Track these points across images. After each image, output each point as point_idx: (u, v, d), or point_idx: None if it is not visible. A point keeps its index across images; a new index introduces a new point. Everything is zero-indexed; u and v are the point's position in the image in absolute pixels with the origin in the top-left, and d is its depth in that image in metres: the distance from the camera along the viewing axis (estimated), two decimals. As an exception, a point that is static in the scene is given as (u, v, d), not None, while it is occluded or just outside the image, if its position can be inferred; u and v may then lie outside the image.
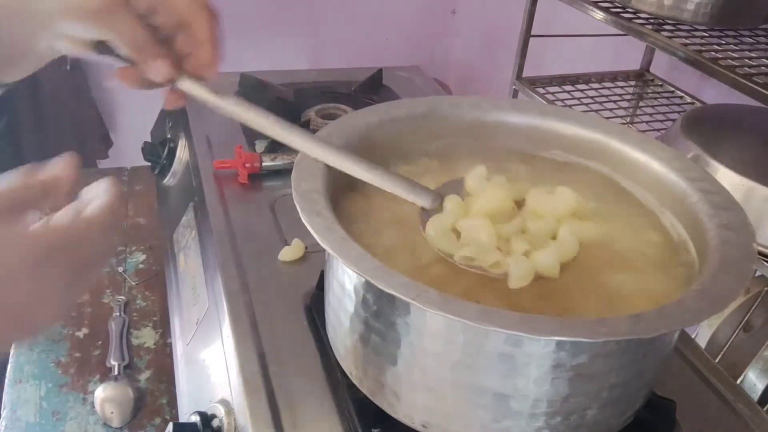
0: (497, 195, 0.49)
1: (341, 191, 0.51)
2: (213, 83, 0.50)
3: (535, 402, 0.43)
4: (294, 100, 1.01)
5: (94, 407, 0.76)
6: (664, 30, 0.84)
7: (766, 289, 0.82)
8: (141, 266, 0.99)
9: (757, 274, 0.74)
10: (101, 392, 0.76)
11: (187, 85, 0.49)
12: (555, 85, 1.13)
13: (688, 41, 0.80)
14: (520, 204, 0.51)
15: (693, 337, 0.84)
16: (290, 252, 0.68)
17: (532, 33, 1.09)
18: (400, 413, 0.47)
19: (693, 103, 1.10)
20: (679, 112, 1.07)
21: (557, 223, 0.49)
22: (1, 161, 1.29)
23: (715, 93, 1.08)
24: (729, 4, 0.81)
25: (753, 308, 0.82)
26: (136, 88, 0.48)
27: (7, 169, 0.38)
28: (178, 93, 0.49)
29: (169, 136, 0.97)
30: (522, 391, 0.42)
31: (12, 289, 0.35)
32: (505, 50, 1.30)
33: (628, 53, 1.20)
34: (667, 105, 1.11)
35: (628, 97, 1.15)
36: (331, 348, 0.54)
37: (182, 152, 0.93)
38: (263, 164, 0.83)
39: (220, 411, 0.55)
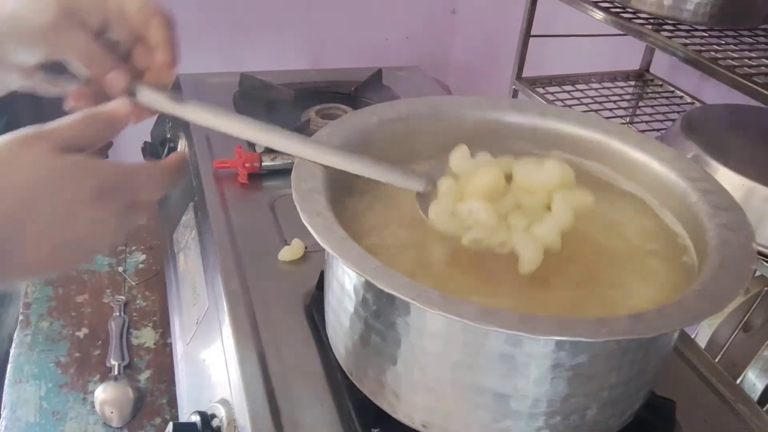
0: (490, 174, 0.49)
1: (341, 191, 0.51)
2: (174, 92, 0.49)
3: (535, 402, 0.43)
4: (294, 100, 1.01)
5: (94, 407, 0.76)
6: (664, 30, 0.84)
7: (765, 289, 0.82)
8: (141, 266, 0.99)
9: (757, 274, 0.74)
10: (101, 392, 0.76)
11: (146, 96, 0.48)
12: (555, 85, 1.13)
13: (687, 41, 0.80)
14: (508, 178, 0.51)
15: (693, 337, 0.84)
16: (290, 252, 0.69)
17: (532, 33, 1.08)
18: (400, 413, 0.47)
19: (693, 103, 1.10)
20: (679, 112, 1.07)
21: (548, 195, 0.49)
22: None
23: (715, 93, 1.08)
24: (729, 4, 0.81)
25: (753, 308, 0.82)
26: (92, 106, 0.47)
27: None
28: (139, 107, 0.48)
29: (168, 135, 0.97)
30: (522, 391, 0.42)
31: (74, 219, 0.39)
32: (505, 50, 1.30)
33: (628, 53, 1.20)
34: (667, 105, 1.11)
35: (627, 97, 1.15)
36: (331, 348, 0.54)
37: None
38: (263, 164, 0.83)
39: (220, 411, 0.55)
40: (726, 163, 0.73)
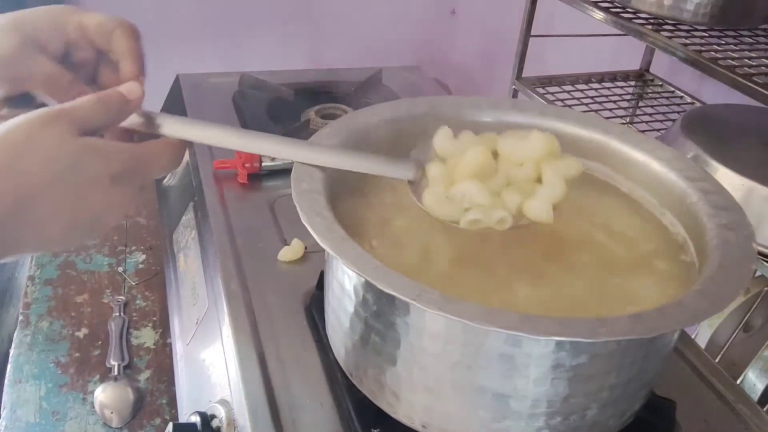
0: (477, 153, 0.49)
1: (341, 191, 0.51)
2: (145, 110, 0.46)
3: (535, 402, 0.43)
4: (294, 100, 1.01)
5: (93, 407, 0.76)
6: (664, 30, 0.84)
7: (766, 289, 0.82)
8: (141, 266, 0.99)
9: (757, 274, 0.74)
10: (101, 392, 0.76)
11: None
12: (555, 85, 1.13)
13: (688, 41, 0.80)
14: (494, 155, 0.51)
15: (693, 337, 0.84)
16: (290, 252, 0.68)
17: (532, 33, 1.08)
18: (400, 413, 0.47)
19: (693, 103, 1.10)
20: (679, 112, 1.07)
21: (537, 166, 0.49)
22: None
23: (715, 93, 1.08)
24: (729, 4, 0.81)
25: (753, 308, 0.82)
26: None
27: None
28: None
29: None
30: (522, 391, 0.42)
31: (89, 200, 0.40)
32: (505, 50, 1.30)
33: (628, 53, 1.20)
34: (667, 105, 1.11)
35: (628, 97, 1.15)
36: (331, 348, 0.54)
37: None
38: (263, 164, 0.83)
39: (220, 411, 0.55)
40: (726, 163, 0.73)
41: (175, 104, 1.02)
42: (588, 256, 0.50)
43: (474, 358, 0.42)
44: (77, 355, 0.83)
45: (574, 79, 1.15)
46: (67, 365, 0.81)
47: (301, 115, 0.96)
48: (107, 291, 0.93)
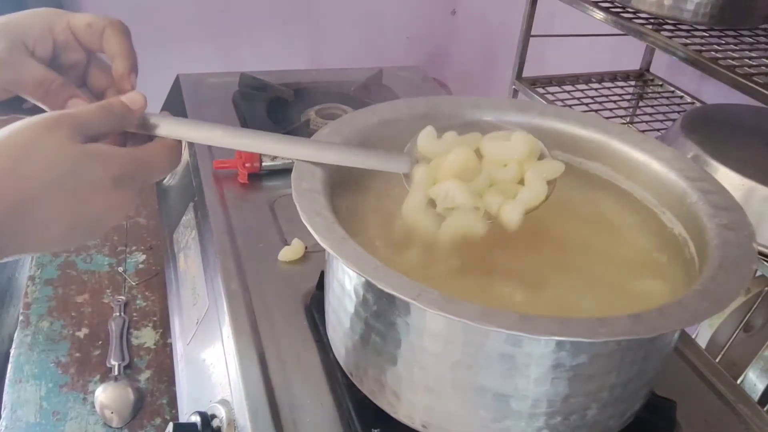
0: (462, 154, 0.49)
1: (342, 190, 0.51)
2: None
3: (535, 402, 0.43)
4: (294, 100, 1.01)
5: (94, 407, 0.76)
6: (664, 30, 0.84)
7: (766, 289, 0.82)
8: (141, 266, 0.99)
9: (757, 274, 0.74)
10: (101, 392, 0.76)
11: None
12: (555, 85, 1.13)
13: (688, 41, 0.80)
14: (477, 154, 0.51)
15: (693, 337, 0.84)
16: (290, 252, 0.68)
17: (532, 33, 1.09)
18: (401, 413, 0.47)
19: (693, 103, 1.10)
20: (679, 112, 1.07)
21: (520, 167, 0.50)
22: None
23: (715, 93, 1.08)
24: (729, 4, 0.81)
25: (753, 308, 0.82)
26: None
27: None
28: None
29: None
30: (522, 391, 0.42)
31: (91, 204, 0.41)
32: (505, 50, 1.30)
33: (628, 53, 1.20)
34: (667, 105, 1.11)
35: (628, 97, 1.15)
36: (331, 348, 0.54)
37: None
38: (263, 164, 0.83)
39: (221, 411, 0.55)
40: (726, 163, 0.73)
41: (175, 104, 1.02)
42: (588, 256, 0.50)
43: (474, 357, 0.42)
44: (78, 355, 0.83)
45: (574, 79, 1.15)
46: (68, 365, 0.81)
47: (301, 115, 0.96)
48: (108, 291, 0.93)
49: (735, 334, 0.83)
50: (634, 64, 1.20)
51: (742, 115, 0.88)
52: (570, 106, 1.08)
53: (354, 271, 0.40)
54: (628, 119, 1.09)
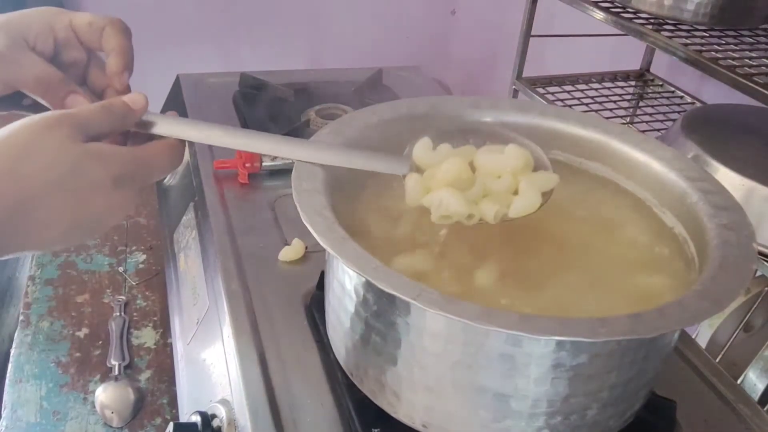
0: (455, 164, 0.49)
1: (342, 190, 0.51)
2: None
3: (535, 402, 0.43)
4: (294, 100, 1.01)
5: (94, 407, 0.76)
6: (664, 30, 0.84)
7: (766, 289, 0.82)
8: (141, 266, 0.99)
9: (758, 274, 0.74)
10: (101, 392, 0.76)
11: None
12: (555, 85, 1.13)
13: (688, 41, 0.80)
14: (471, 167, 0.51)
15: (693, 337, 0.84)
16: (290, 252, 0.68)
17: (532, 33, 1.08)
18: (401, 413, 0.47)
19: (693, 103, 1.10)
20: (679, 112, 1.07)
21: (514, 178, 0.49)
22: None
23: (715, 93, 1.08)
24: (729, 4, 0.81)
25: (753, 308, 0.82)
26: None
27: None
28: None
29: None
30: (522, 391, 0.42)
31: (91, 204, 0.41)
32: (505, 50, 1.30)
33: (628, 53, 1.20)
34: (667, 105, 1.11)
35: (628, 97, 1.15)
36: (331, 348, 0.54)
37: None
38: (263, 164, 0.83)
39: (221, 411, 0.55)
40: (726, 163, 0.73)
41: (176, 104, 1.02)
42: (588, 256, 0.50)
43: (474, 357, 0.42)
44: (78, 354, 0.83)
45: (574, 79, 1.15)
46: (68, 365, 0.81)
47: (301, 115, 0.96)
48: (108, 291, 0.93)
49: (735, 334, 0.83)
50: (634, 64, 1.20)
51: (742, 115, 0.88)
52: (570, 106, 1.07)
53: (354, 271, 0.40)
54: (628, 119, 1.09)
